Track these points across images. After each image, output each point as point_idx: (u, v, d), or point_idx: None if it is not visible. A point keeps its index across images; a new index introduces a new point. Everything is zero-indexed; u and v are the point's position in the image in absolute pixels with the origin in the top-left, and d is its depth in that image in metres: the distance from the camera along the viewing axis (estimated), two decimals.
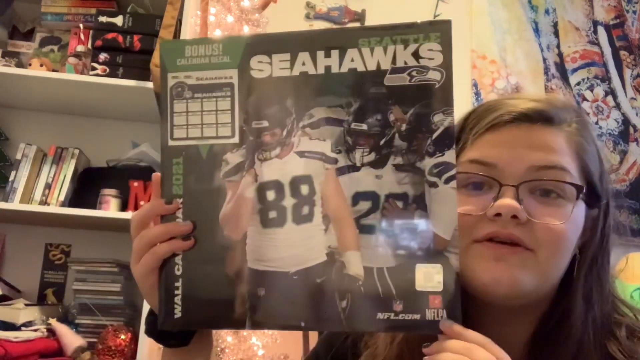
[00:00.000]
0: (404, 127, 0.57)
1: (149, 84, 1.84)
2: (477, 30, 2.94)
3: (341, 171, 0.59)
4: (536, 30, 2.99)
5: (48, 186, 1.95)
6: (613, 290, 0.70)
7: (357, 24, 2.86)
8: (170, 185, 0.61)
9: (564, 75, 2.97)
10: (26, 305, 1.78)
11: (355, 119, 0.58)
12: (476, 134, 0.67)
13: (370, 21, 2.87)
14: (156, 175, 0.63)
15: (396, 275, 0.57)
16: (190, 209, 0.61)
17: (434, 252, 0.57)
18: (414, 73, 0.57)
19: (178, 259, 0.61)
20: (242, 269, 0.60)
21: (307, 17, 2.84)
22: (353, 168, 0.58)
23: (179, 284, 0.61)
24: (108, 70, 1.92)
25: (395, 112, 0.58)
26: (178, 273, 0.61)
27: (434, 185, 0.57)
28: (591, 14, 3.07)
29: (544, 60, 2.96)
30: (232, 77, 0.61)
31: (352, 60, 0.58)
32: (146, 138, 2.11)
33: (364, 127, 0.58)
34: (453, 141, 0.57)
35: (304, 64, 0.59)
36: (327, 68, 0.59)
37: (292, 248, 0.59)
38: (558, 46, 3.00)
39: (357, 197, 0.58)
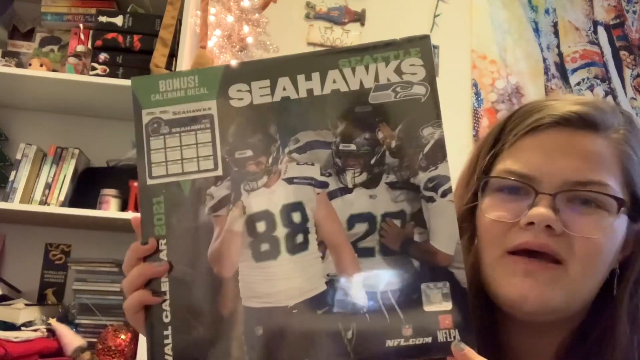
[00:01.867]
0: (393, 143, 0.56)
1: None
2: (477, 30, 2.94)
3: (333, 195, 0.56)
4: (536, 30, 2.99)
5: (48, 186, 1.95)
6: None
7: (357, 24, 2.86)
8: (151, 227, 0.57)
9: (564, 75, 2.97)
10: (26, 305, 1.78)
11: (342, 140, 0.56)
12: (516, 136, 0.65)
13: (370, 21, 2.87)
14: (135, 219, 0.59)
15: (402, 297, 0.54)
16: (175, 249, 0.57)
17: (439, 269, 0.54)
18: (398, 89, 0.56)
19: (165, 305, 0.57)
20: (237, 308, 0.55)
21: (307, 17, 2.84)
22: (345, 190, 0.56)
23: (168, 332, 0.56)
24: (108, 70, 1.92)
25: (383, 130, 0.56)
26: (166, 320, 0.57)
27: (430, 200, 0.55)
28: (591, 14, 3.07)
29: (544, 60, 2.96)
30: (211, 108, 0.58)
31: (334, 82, 0.57)
32: None
33: (353, 147, 0.56)
34: (445, 153, 0.56)
35: (284, 89, 0.57)
36: (309, 91, 0.57)
37: (289, 280, 0.55)
38: (558, 46, 3.00)
39: (352, 220, 0.55)
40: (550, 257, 0.60)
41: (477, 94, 2.87)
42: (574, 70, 2.98)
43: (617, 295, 0.63)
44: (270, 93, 0.58)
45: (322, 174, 0.56)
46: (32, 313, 1.79)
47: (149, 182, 0.58)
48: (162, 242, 0.57)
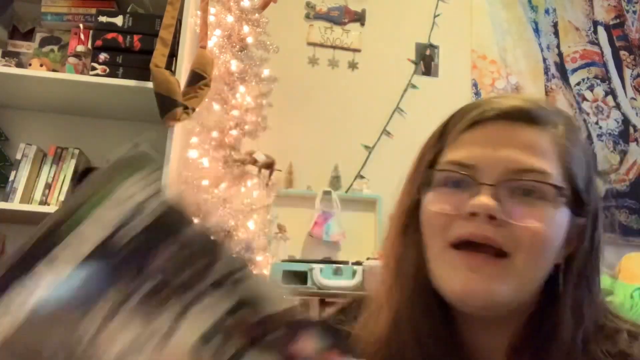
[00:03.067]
0: (169, 264, 0.49)
1: (149, 84, 1.84)
2: (477, 30, 2.94)
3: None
4: (536, 30, 2.99)
5: (48, 186, 1.95)
6: (607, 305, 0.67)
7: (357, 24, 2.86)
8: None
9: (564, 75, 2.97)
10: None
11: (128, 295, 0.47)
12: (457, 131, 0.65)
13: (370, 21, 2.87)
14: None
15: None
16: None
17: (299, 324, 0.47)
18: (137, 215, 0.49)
19: None
20: None
21: (307, 17, 2.84)
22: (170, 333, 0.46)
23: None
24: (108, 70, 1.92)
25: (154, 259, 0.49)
26: None
27: (240, 281, 0.48)
28: (591, 14, 3.07)
29: (544, 60, 2.96)
30: None
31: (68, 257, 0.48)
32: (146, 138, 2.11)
33: (143, 292, 0.47)
34: (215, 239, 0.48)
35: (23, 300, 0.46)
36: None
37: None
38: (558, 46, 3.00)
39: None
40: (493, 250, 0.60)
41: (477, 94, 2.87)
42: (574, 70, 2.98)
43: (563, 290, 0.63)
44: (9, 312, 0.45)
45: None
46: None
47: None
48: None
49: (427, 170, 0.66)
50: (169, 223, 0.48)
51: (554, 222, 0.61)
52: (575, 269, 0.64)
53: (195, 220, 0.49)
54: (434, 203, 0.64)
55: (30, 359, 0.44)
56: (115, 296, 0.46)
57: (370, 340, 0.67)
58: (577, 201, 0.64)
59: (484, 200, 0.60)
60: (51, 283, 0.46)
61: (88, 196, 0.48)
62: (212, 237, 0.49)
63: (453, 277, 0.61)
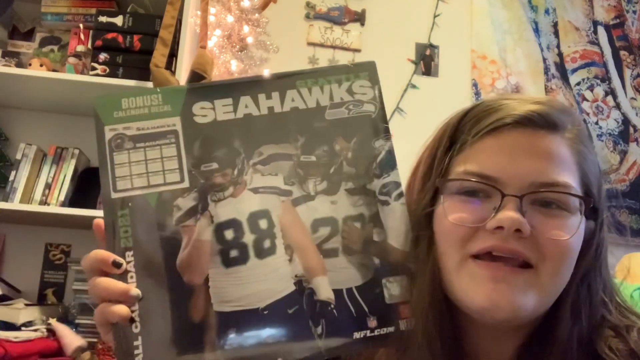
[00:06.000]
0: (349, 154, 0.62)
1: (149, 84, 1.84)
2: (477, 30, 2.94)
3: (297, 202, 0.60)
4: (536, 30, 2.99)
5: (48, 186, 1.95)
6: (619, 296, 0.66)
7: (357, 24, 2.86)
8: (117, 239, 0.58)
9: (564, 75, 2.97)
10: (26, 305, 1.78)
11: (303, 152, 0.61)
12: (476, 136, 0.63)
13: (370, 21, 2.87)
14: (97, 224, 0.59)
15: (365, 292, 0.58)
16: (142, 260, 0.58)
17: (397, 265, 0.59)
18: (350, 107, 0.63)
19: (135, 315, 0.56)
20: (208, 314, 0.57)
21: (307, 17, 2.84)
22: (308, 197, 0.60)
23: (138, 342, 0.56)
24: (108, 70, 1.92)
25: (339, 142, 0.62)
26: (136, 331, 0.56)
27: (385, 203, 0.61)
28: (591, 14, 3.07)
29: (544, 60, 2.96)
30: (175, 124, 0.61)
31: (293, 100, 0.62)
32: None
33: (313, 158, 0.61)
34: (395, 162, 0.62)
35: (247, 106, 0.62)
36: (270, 109, 0.62)
37: (259, 283, 0.58)
38: (558, 46, 3.00)
39: (316, 224, 0.60)
40: (516, 261, 0.59)
41: (477, 94, 2.87)
42: (574, 70, 2.98)
43: (565, 290, 0.62)
44: (233, 110, 0.62)
45: (285, 183, 0.61)
46: (32, 313, 1.79)
47: (114, 195, 0.59)
48: (129, 253, 0.58)
49: (440, 179, 0.64)
50: (371, 126, 0.62)
51: (577, 232, 0.60)
52: (581, 270, 0.63)
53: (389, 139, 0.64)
54: (452, 213, 0.61)
55: (222, 143, 0.60)
56: (287, 149, 0.61)
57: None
58: (592, 207, 0.63)
59: (511, 214, 0.58)
60: (267, 109, 0.62)
61: (327, 73, 0.64)
62: (394, 159, 0.63)
63: (475, 288, 0.59)
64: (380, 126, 0.63)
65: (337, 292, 0.58)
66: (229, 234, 0.59)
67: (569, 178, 0.61)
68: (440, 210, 0.62)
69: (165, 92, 0.62)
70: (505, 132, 0.62)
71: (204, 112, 0.61)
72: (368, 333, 0.57)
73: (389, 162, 0.62)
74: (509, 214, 0.58)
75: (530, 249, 0.59)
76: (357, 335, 0.57)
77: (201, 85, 0.65)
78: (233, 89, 0.62)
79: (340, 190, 0.61)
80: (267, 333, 0.57)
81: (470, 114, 0.67)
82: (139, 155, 0.60)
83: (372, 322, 0.57)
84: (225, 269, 0.58)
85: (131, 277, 0.57)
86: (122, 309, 0.56)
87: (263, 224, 0.59)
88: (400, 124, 2.77)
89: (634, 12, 3.11)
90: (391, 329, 0.58)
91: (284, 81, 0.63)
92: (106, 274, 0.58)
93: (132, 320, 0.57)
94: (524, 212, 0.58)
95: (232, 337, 0.56)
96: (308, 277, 0.58)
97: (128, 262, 0.58)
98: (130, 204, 0.59)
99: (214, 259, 0.58)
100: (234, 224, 0.59)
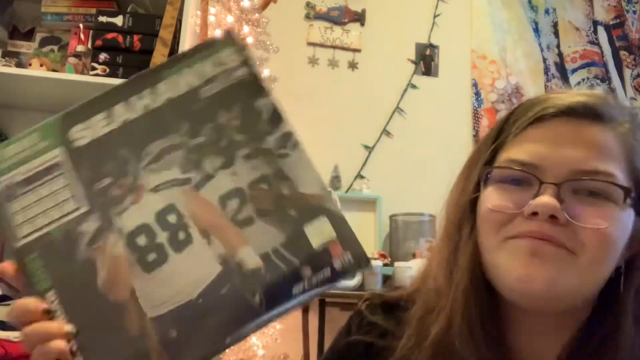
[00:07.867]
0: (236, 122, 0.61)
1: None
2: (477, 30, 2.94)
3: (199, 185, 0.60)
4: (536, 30, 2.99)
5: None
6: None
7: (357, 24, 2.87)
8: (34, 283, 0.58)
9: (564, 75, 2.97)
10: None
11: (191, 137, 0.61)
12: (519, 127, 0.64)
13: (370, 21, 2.87)
14: (9, 268, 0.58)
15: (291, 246, 0.58)
16: (66, 294, 0.58)
17: (314, 209, 0.59)
18: (222, 78, 0.63)
19: (74, 347, 0.56)
20: (144, 322, 0.57)
21: (307, 17, 2.84)
22: (208, 178, 0.60)
23: None
24: (108, 70, 1.92)
25: (222, 115, 0.62)
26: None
27: (285, 156, 0.60)
28: (591, 14, 3.07)
29: (544, 60, 2.97)
30: (57, 156, 0.62)
31: (165, 92, 0.62)
32: None
33: (202, 139, 0.61)
34: (282, 114, 0.61)
35: (122, 114, 0.62)
36: (146, 107, 0.62)
37: (185, 275, 0.57)
38: (558, 46, 3.00)
39: (224, 200, 0.59)
40: (556, 245, 0.58)
41: (477, 94, 2.87)
42: (574, 70, 2.98)
43: (623, 294, 0.61)
44: (110, 122, 0.62)
45: (183, 172, 0.60)
46: None
47: (19, 244, 0.60)
48: (50, 293, 0.58)
49: (485, 167, 0.65)
50: (247, 89, 0.62)
51: (619, 223, 0.59)
52: (638, 272, 0.61)
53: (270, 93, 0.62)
54: (493, 200, 0.62)
55: (108, 157, 0.61)
56: (174, 139, 0.61)
57: (422, 342, 0.65)
58: None
59: (546, 200, 0.58)
60: (142, 109, 0.62)
61: (190, 55, 0.63)
62: (279, 112, 0.61)
63: (513, 261, 0.59)
64: (256, 86, 0.62)
65: (265, 256, 0.57)
66: (141, 240, 0.59)
67: (613, 168, 0.60)
68: (483, 197, 0.64)
69: (44, 126, 0.65)
70: (549, 121, 0.62)
71: (82, 133, 0.62)
72: (306, 284, 0.57)
73: (275, 116, 0.61)
74: (544, 200, 0.58)
75: (569, 238, 0.58)
76: (296, 289, 0.56)
77: (74, 108, 0.65)
78: (105, 100, 0.63)
79: (237, 160, 0.60)
80: (209, 320, 0.56)
81: (519, 107, 0.67)
82: (31, 197, 0.61)
83: (307, 271, 0.57)
84: (148, 274, 0.58)
85: (58, 315, 0.57)
86: (59, 344, 0.55)
87: (172, 218, 0.59)
88: (400, 123, 2.77)
89: (634, 12, 3.11)
90: (327, 271, 0.57)
91: (153, 76, 0.63)
92: (35, 321, 0.57)
93: (73, 354, 0.56)
94: (563, 200, 0.58)
95: (175, 336, 0.56)
96: (232, 253, 0.58)
97: (52, 302, 0.58)
98: (37, 246, 0.59)
99: (134, 269, 0.58)
100: (144, 228, 0.59)
